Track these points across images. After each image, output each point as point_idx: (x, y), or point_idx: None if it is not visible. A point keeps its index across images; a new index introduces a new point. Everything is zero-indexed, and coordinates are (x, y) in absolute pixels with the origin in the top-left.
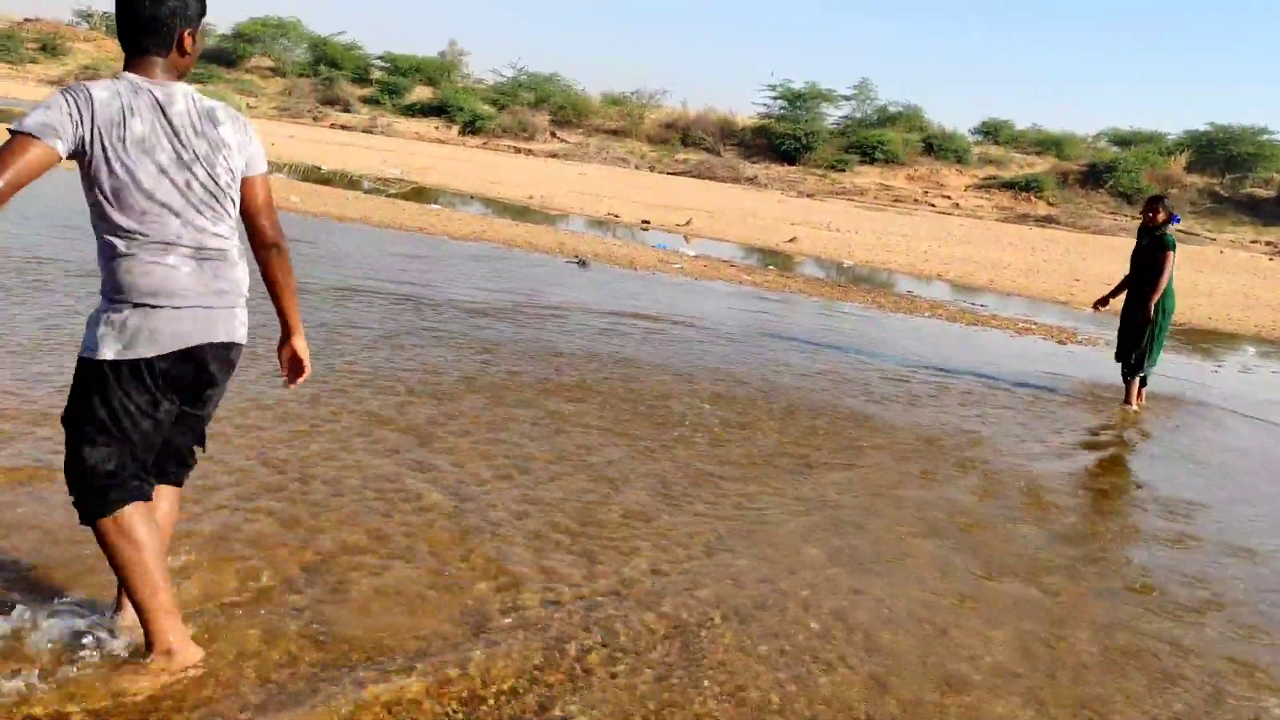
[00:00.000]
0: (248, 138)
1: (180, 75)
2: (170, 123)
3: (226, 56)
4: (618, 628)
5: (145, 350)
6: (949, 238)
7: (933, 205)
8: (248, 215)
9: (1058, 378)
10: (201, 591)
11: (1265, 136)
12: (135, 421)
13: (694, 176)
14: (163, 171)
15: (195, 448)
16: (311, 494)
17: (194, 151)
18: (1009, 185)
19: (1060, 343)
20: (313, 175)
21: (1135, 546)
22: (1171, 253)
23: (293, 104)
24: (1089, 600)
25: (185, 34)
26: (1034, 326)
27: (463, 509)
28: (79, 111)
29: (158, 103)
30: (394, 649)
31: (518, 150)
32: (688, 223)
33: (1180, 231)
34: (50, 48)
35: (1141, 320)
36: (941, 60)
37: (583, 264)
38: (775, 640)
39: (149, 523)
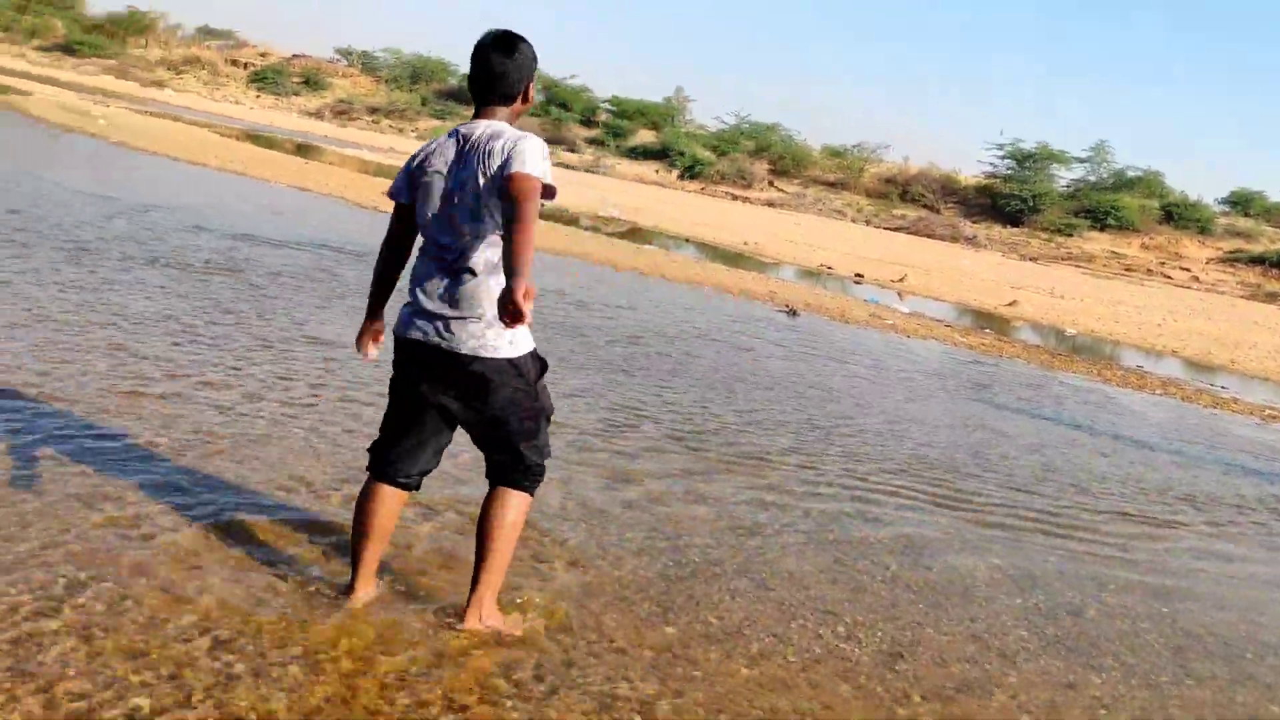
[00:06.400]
0: None
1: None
2: None
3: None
4: None
5: None
6: (1186, 311)
7: (1168, 277)
8: None
9: None
10: None
11: None
12: None
13: (911, 233)
14: None
15: None
16: None
17: None
18: (1258, 260)
19: None
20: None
21: None
22: None
23: None
24: None
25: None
26: None
27: None
28: None
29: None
30: None
31: (734, 197)
32: (902, 279)
33: None
34: (312, 82)
35: None
36: (1187, 125)
37: (793, 314)
38: None
39: None
